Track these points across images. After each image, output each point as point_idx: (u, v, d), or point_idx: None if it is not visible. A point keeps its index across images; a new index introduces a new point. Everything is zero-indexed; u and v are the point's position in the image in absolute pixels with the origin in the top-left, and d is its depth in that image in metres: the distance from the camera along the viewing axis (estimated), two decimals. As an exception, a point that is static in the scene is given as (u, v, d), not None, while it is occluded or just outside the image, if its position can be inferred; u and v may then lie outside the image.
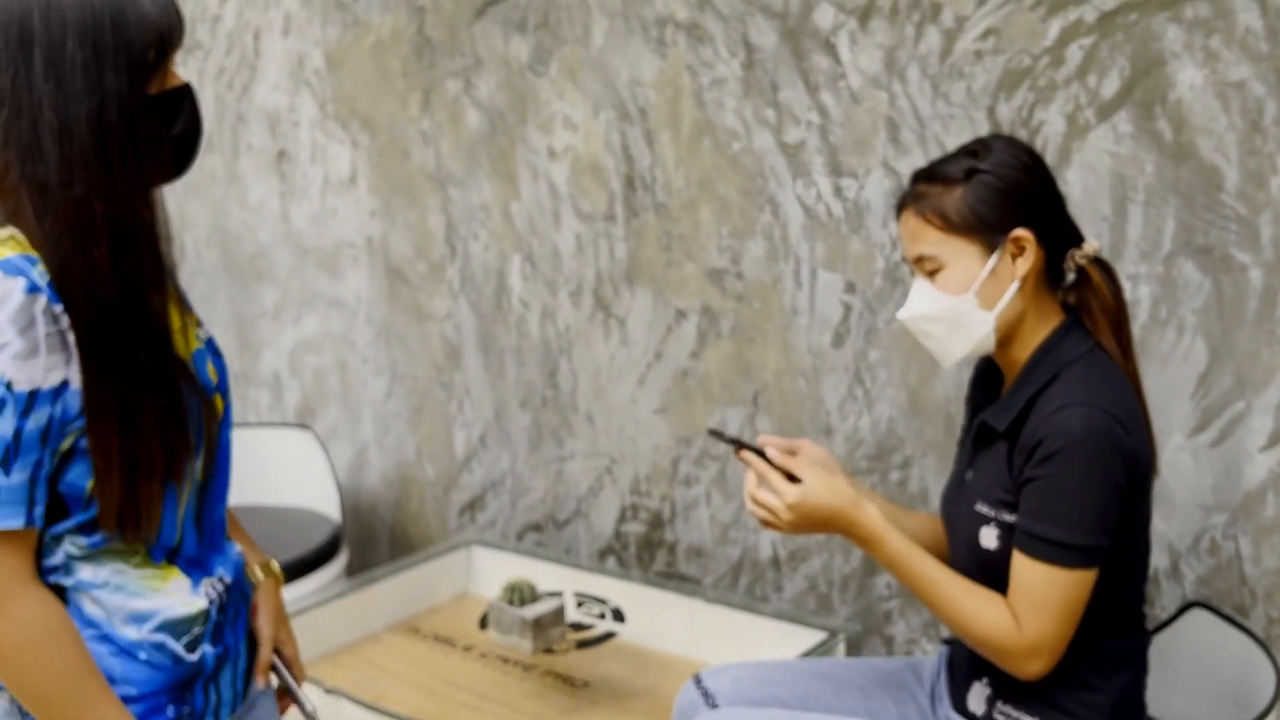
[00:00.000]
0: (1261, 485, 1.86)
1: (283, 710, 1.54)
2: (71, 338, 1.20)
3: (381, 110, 2.94)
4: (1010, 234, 1.53)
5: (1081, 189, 1.95)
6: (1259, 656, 1.70)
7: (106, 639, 1.28)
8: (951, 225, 1.53)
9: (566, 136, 2.61)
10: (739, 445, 1.63)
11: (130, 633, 1.28)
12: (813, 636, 2.23)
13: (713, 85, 2.36)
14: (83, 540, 1.26)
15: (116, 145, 1.21)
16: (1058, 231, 1.57)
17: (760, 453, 1.61)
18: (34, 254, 1.20)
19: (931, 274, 1.56)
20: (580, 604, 2.60)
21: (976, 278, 1.53)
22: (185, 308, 1.39)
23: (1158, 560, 1.95)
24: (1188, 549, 1.94)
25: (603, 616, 2.57)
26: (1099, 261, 1.59)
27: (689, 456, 2.56)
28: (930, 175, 1.57)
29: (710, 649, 2.38)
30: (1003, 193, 1.53)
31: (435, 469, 3.06)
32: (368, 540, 3.27)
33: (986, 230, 1.53)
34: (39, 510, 1.21)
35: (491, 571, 2.73)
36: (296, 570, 2.68)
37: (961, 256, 1.54)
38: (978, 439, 1.62)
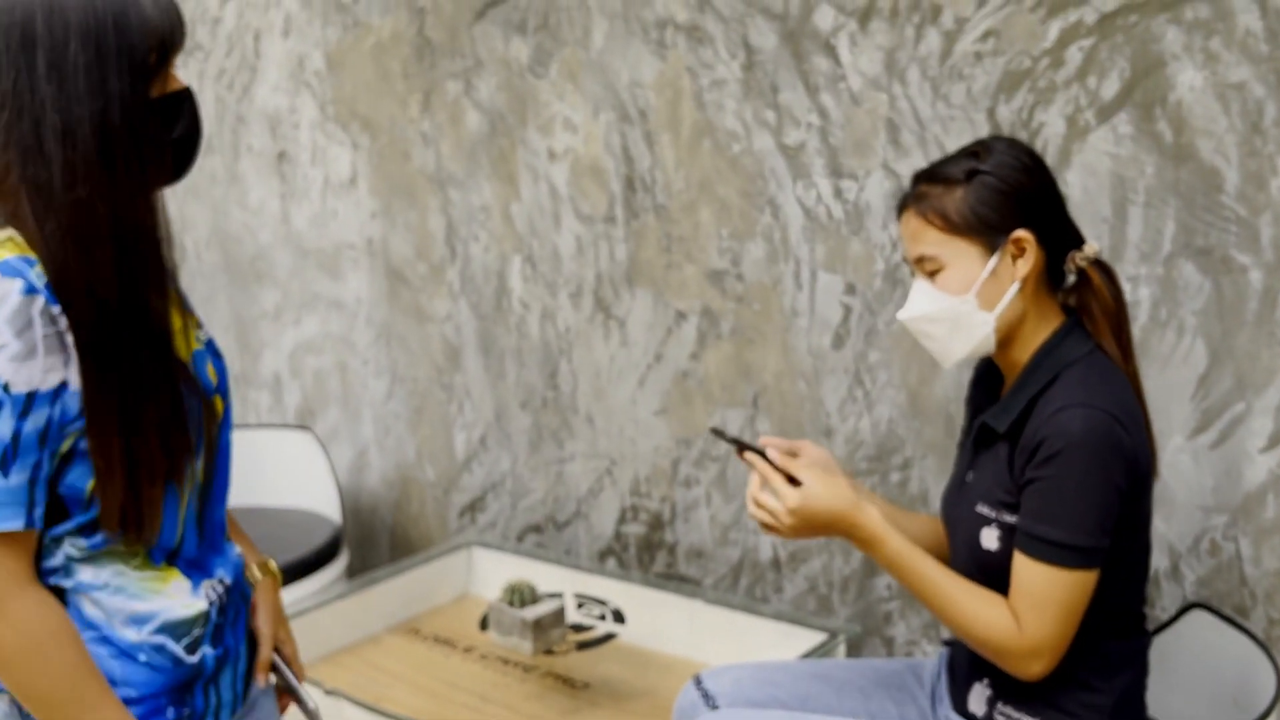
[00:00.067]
0: (1261, 486, 1.86)
1: (283, 709, 1.54)
2: (70, 339, 1.20)
3: (382, 112, 2.94)
4: (1011, 235, 1.53)
5: (1081, 190, 1.95)
6: (1259, 658, 1.70)
7: (106, 641, 1.28)
8: (952, 226, 1.53)
9: (567, 138, 2.61)
10: (740, 445, 1.63)
11: (130, 635, 1.29)
12: (813, 638, 2.23)
13: (713, 87, 2.36)
14: (82, 542, 1.26)
15: (119, 148, 1.22)
16: (1058, 233, 1.57)
17: (761, 453, 1.61)
18: (32, 255, 1.20)
19: (932, 274, 1.56)
20: (580, 605, 2.60)
21: (977, 278, 1.54)
22: (185, 309, 1.39)
23: (1158, 561, 1.95)
24: (1188, 550, 1.95)
25: (603, 618, 2.57)
26: (1099, 263, 1.59)
27: (689, 458, 2.56)
28: (931, 176, 1.57)
29: (710, 650, 2.38)
30: (1004, 194, 1.53)
31: (435, 470, 3.06)
32: (368, 541, 3.27)
33: (987, 231, 1.53)
34: (39, 512, 1.22)
35: (492, 573, 2.73)
36: (297, 572, 2.68)
37: (962, 257, 1.54)
38: (978, 440, 1.62)
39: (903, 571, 1.55)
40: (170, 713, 1.31)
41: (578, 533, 2.80)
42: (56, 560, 1.26)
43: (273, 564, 1.53)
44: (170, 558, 1.33)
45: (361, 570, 3.10)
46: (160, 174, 1.28)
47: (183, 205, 3.47)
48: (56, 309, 1.19)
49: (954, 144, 2.05)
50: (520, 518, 2.90)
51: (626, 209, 2.55)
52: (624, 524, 2.71)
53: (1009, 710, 1.58)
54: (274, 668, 1.49)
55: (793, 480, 1.57)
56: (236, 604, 1.41)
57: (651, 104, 2.46)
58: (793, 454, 1.67)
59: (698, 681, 1.76)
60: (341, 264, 3.13)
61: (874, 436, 2.28)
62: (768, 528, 1.58)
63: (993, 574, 1.54)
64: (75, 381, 1.21)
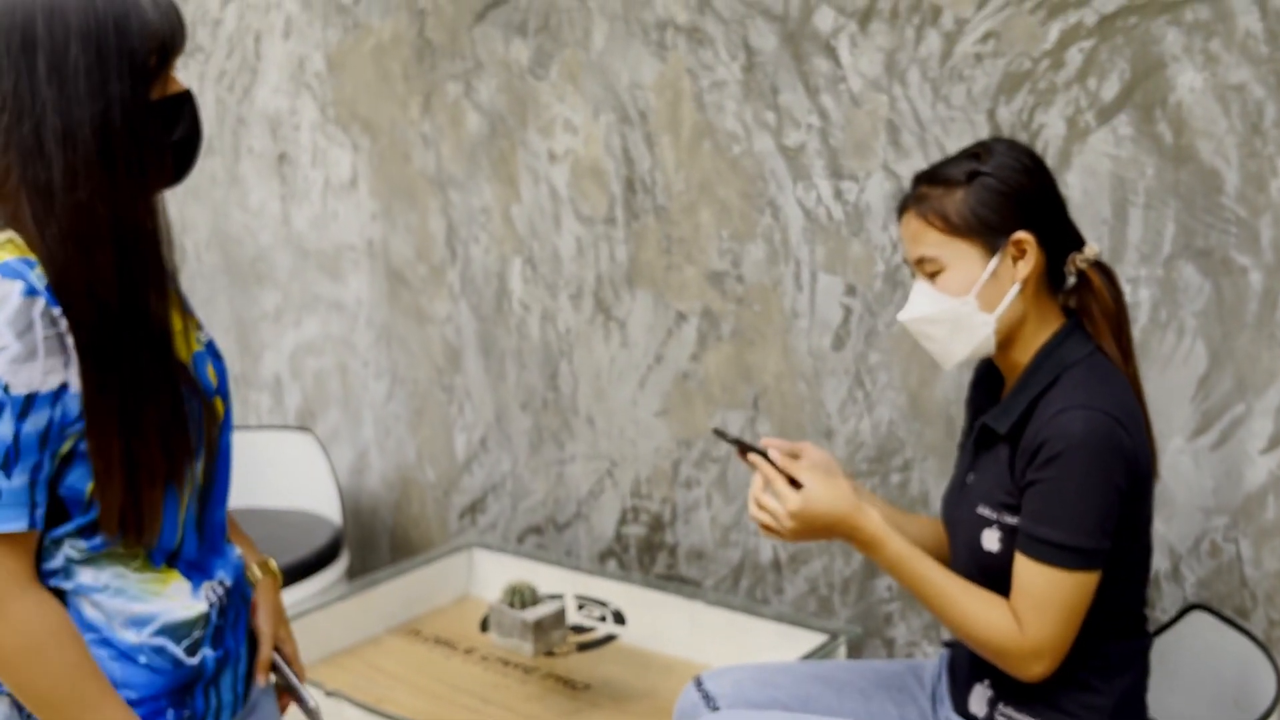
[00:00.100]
0: (1262, 488, 1.86)
1: (283, 709, 1.54)
2: (70, 341, 1.20)
3: (382, 113, 2.94)
4: (1011, 236, 1.53)
5: (1082, 192, 1.95)
6: (1259, 659, 1.70)
7: (106, 643, 1.28)
8: (953, 227, 1.53)
9: (567, 139, 2.61)
10: (743, 446, 1.63)
11: (130, 636, 1.29)
12: (813, 639, 2.23)
13: (713, 88, 2.36)
14: (83, 544, 1.26)
15: (120, 150, 1.22)
16: (1058, 234, 1.57)
17: (764, 454, 1.61)
18: (32, 257, 1.20)
19: (932, 276, 1.56)
20: (581, 606, 2.60)
21: (977, 280, 1.54)
22: (186, 311, 1.40)
23: (1158, 563, 1.95)
24: (1188, 551, 1.95)
25: (603, 619, 2.57)
26: (1099, 264, 1.59)
27: (689, 459, 2.56)
28: (932, 177, 1.57)
29: (711, 651, 2.38)
30: (1004, 195, 1.53)
31: (436, 471, 3.06)
32: (368, 543, 3.27)
33: (988, 232, 1.53)
34: (40, 513, 1.22)
35: (492, 574, 2.73)
36: (297, 573, 2.68)
37: (962, 259, 1.54)
38: (979, 442, 1.62)
39: (903, 574, 1.55)
40: (170, 715, 1.31)
41: (578, 534, 2.80)
42: (57, 562, 1.26)
43: (273, 563, 1.53)
44: (170, 560, 1.33)
45: (362, 572, 3.10)
46: (160, 176, 1.28)
47: (183, 207, 3.47)
48: (57, 311, 1.20)
49: (954, 145, 2.05)
50: (521, 519, 2.90)
51: (627, 210, 2.55)
52: (624, 525, 2.71)
53: (1010, 711, 1.58)
54: (274, 667, 1.49)
55: (794, 483, 1.57)
56: (237, 606, 1.41)
57: (652, 105, 2.46)
58: (794, 456, 1.67)
59: (698, 683, 1.76)
60: (342, 265, 3.14)
61: (874, 438, 2.28)
62: (768, 529, 1.58)
63: (994, 575, 1.54)
64: (75, 383, 1.21)
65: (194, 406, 1.31)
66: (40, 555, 1.26)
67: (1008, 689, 1.57)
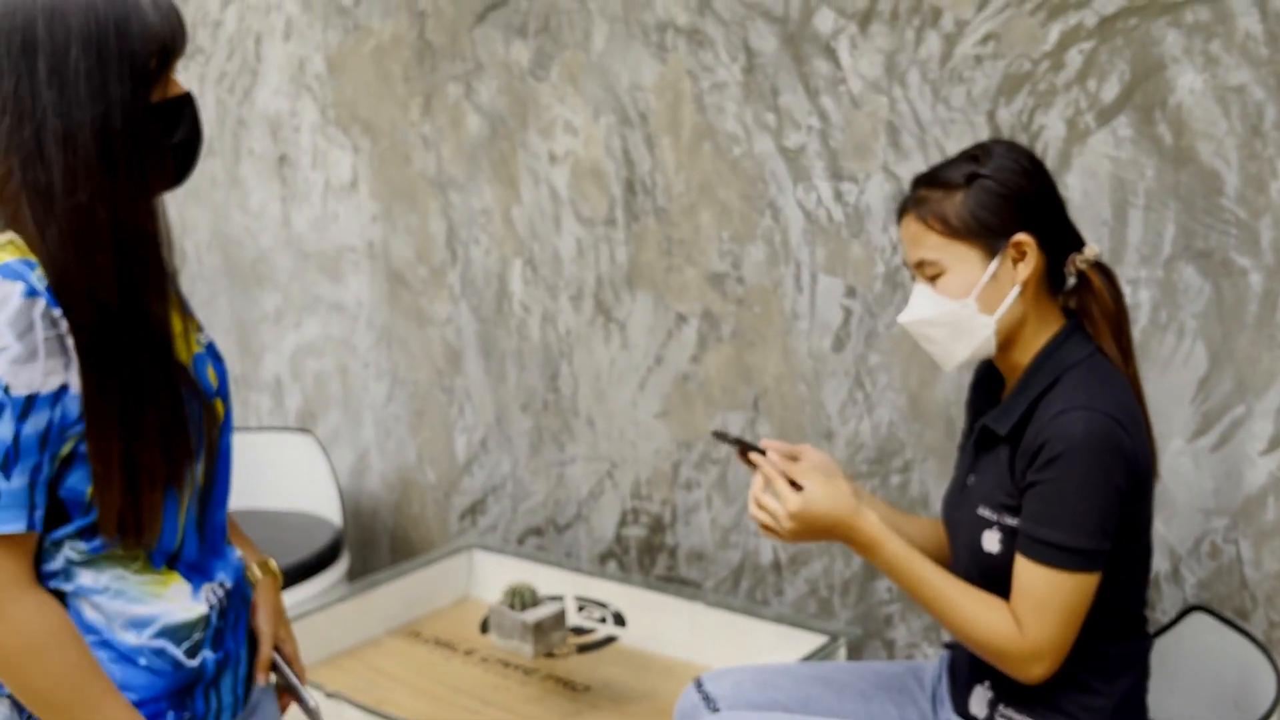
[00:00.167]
0: (1262, 489, 1.86)
1: (283, 709, 1.54)
2: (70, 342, 1.20)
3: (382, 115, 2.95)
4: (1011, 239, 1.53)
5: (1082, 193, 1.95)
6: (1260, 660, 1.70)
7: (106, 645, 1.28)
8: (952, 230, 1.53)
9: (567, 141, 2.61)
10: (742, 446, 1.63)
11: (130, 638, 1.29)
12: (814, 640, 2.23)
13: (713, 90, 2.36)
14: (83, 545, 1.26)
15: (120, 153, 1.22)
16: (1058, 236, 1.57)
17: (762, 454, 1.61)
18: (33, 258, 1.20)
19: (932, 279, 1.56)
20: (581, 608, 2.60)
21: (977, 282, 1.54)
22: (186, 312, 1.40)
23: (1158, 564, 1.95)
24: (1188, 553, 1.95)
25: (604, 620, 2.57)
26: (1099, 266, 1.59)
27: (690, 460, 2.56)
28: (931, 180, 1.57)
29: (711, 653, 2.38)
30: (1004, 197, 1.53)
31: (436, 473, 3.06)
32: (369, 544, 3.27)
33: (987, 235, 1.53)
34: (39, 514, 1.22)
35: (492, 575, 2.73)
36: (298, 574, 2.68)
37: (962, 261, 1.54)
38: (979, 443, 1.62)
39: (902, 576, 1.55)
40: (171, 716, 1.31)
41: (578, 535, 2.80)
42: (57, 564, 1.26)
43: (273, 563, 1.53)
44: (171, 561, 1.33)
45: (362, 573, 3.10)
46: (161, 178, 1.28)
47: (183, 208, 3.47)
48: (58, 312, 1.20)
49: (954, 147, 2.05)
50: (521, 520, 2.90)
51: (627, 212, 2.55)
52: (625, 527, 2.71)
53: (1010, 713, 1.58)
54: (274, 667, 1.49)
55: (794, 485, 1.57)
56: (237, 607, 1.41)
57: (652, 107, 2.46)
58: (794, 458, 1.67)
59: (698, 684, 1.76)
60: (342, 267, 3.14)
61: (874, 439, 2.28)
62: (767, 529, 1.58)
63: (994, 577, 1.54)
64: (76, 385, 1.21)
65: (194, 408, 1.31)
66: (40, 557, 1.26)
67: (1008, 690, 1.57)
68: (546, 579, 2.64)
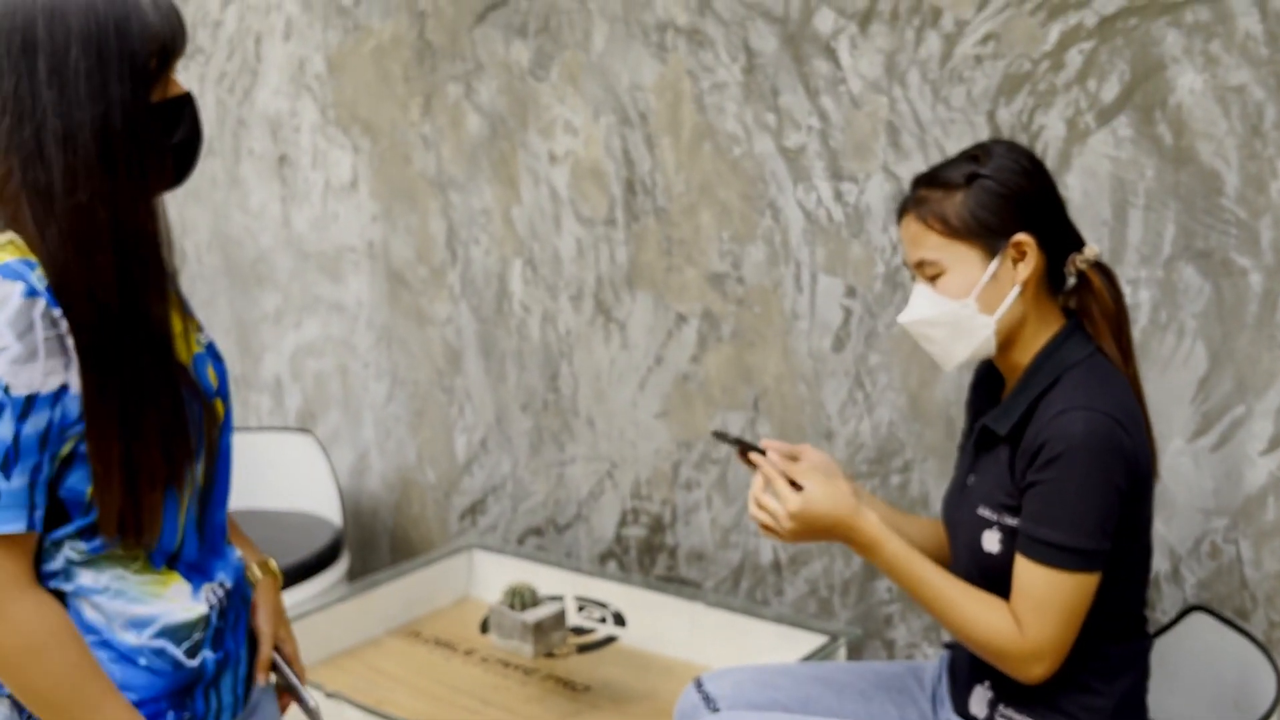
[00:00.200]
0: (1262, 489, 1.86)
1: (284, 709, 1.54)
2: (70, 342, 1.20)
3: (382, 115, 2.95)
4: (1011, 239, 1.53)
5: (1082, 193, 1.95)
6: (1260, 660, 1.70)
7: (106, 645, 1.28)
8: (953, 230, 1.53)
9: (567, 141, 2.61)
10: (742, 446, 1.63)
11: (130, 638, 1.29)
12: (814, 640, 2.23)
13: (713, 90, 2.36)
14: (83, 545, 1.26)
15: (120, 153, 1.22)
16: (1058, 236, 1.57)
17: (762, 454, 1.61)
18: (33, 258, 1.20)
19: (932, 279, 1.56)
20: (581, 608, 2.60)
21: (977, 282, 1.54)
22: (186, 312, 1.40)
23: (1158, 564, 1.95)
24: (1188, 553, 1.95)
25: (604, 620, 2.57)
26: (1099, 266, 1.59)
27: (690, 460, 2.56)
28: (931, 180, 1.57)
29: (711, 653, 2.38)
30: (1004, 197, 1.53)
31: (436, 473, 3.06)
32: (369, 544, 3.27)
33: (987, 235, 1.53)
34: (39, 514, 1.22)
35: (492, 575, 2.73)
36: (298, 574, 2.68)
37: (962, 261, 1.54)
38: (979, 443, 1.62)
39: (902, 576, 1.55)
40: (171, 717, 1.31)
41: (578, 535, 2.80)
42: (57, 564, 1.26)
43: (273, 563, 1.53)
44: (171, 561, 1.33)
45: (362, 573, 3.10)
46: (161, 179, 1.28)
47: (183, 208, 3.47)
48: (58, 312, 1.20)
49: (954, 147, 2.05)
50: (521, 520, 2.90)
51: (627, 212, 2.55)
52: (625, 527, 2.71)
53: (1010, 713, 1.58)
54: (274, 667, 1.49)
55: (794, 485, 1.57)
56: (237, 608, 1.41)
57: (652, 107, 2.46)
58: (794, 458, 1.67)
59: (698, 684, 1.76)
60: (342, 267, 3.14)
61: (874, 439, 2.28)
62: (767, 529, 1.58)
63: (994, 577, 1.54)
64: (76, 385, 1.21)
65: (194, 408, 1.31)
66: (40, 557, 1.26)
67: (1008, 690, 1.57)
68: (546, 579, 2.64)
